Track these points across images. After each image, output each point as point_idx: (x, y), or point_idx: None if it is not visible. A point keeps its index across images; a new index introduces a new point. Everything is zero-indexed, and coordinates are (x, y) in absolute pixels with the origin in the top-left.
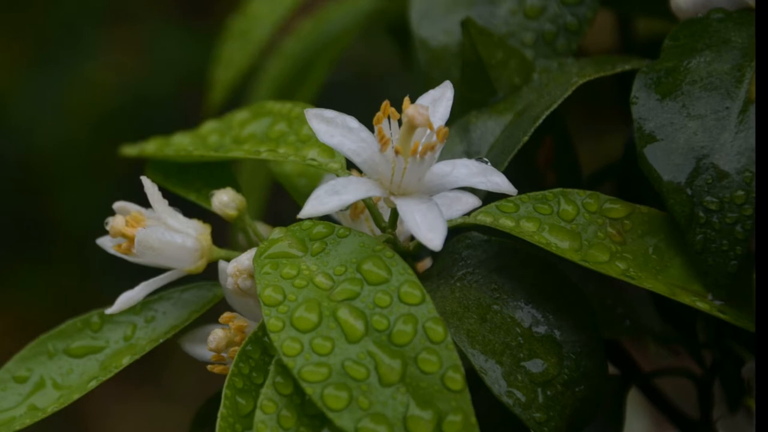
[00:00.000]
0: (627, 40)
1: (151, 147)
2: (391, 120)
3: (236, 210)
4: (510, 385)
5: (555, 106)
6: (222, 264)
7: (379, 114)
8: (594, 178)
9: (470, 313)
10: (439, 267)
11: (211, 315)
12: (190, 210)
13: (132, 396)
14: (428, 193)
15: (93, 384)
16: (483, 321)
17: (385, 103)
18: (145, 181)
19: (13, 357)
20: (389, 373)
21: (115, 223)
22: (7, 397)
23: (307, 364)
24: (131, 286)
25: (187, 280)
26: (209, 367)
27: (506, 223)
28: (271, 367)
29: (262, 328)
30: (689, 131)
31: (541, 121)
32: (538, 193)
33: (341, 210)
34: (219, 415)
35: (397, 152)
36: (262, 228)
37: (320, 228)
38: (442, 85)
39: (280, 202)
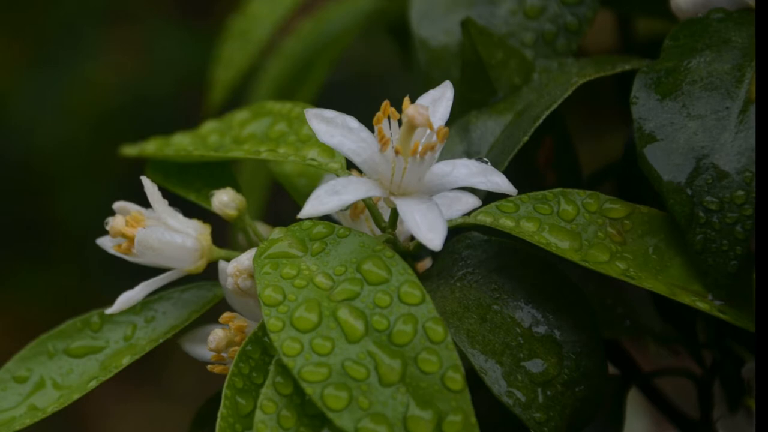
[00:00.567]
0: (627, 40)
1: (151, 147)
2: (391, 120)
3: (236, 210)
4: (510, 385)
5: (555, 106)
6: (222, 264)
7: (379, 114)
8: (594, 178)
9: (470, 313)
10: (439, 267)
11: (211, 315)
12: (190, 210)
13: (132, 396)
14: (428, 193)
15: (93, 384)
16: (483, 321)
17: (385, 103)
18: (145, 181)
19: (13, 357)
20: (389, 373)
21: (115, 223)
22: (7, 397)
23: (307, 364)
24: (131, 286)
25: (187, 280)
26: (209, 367)
27: (506, 223)
28: (271, 367)
29: (262, 328)
30: (689, 131)
31: (541, 121)
32: (538, 193)
33: (341, 210)
34: (219, 415)
35: (397, 152)
36: (262, 228)
37: (320, 228)
38: (442, 85)
39: (280, 202)
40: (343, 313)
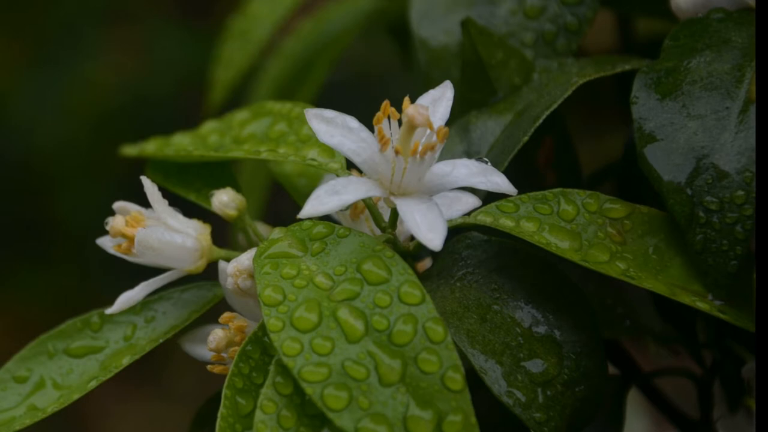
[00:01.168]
0: (627, 40)
1: (151, 147)
2: (391, 120)
3: (236, 210)
4: (510, 385)
5: (555, 106)
6: (222, 264)
7: (379, 114)
8: (594, 178)
9: (470, 313)
10: (439, 267)
11: (211, 315)
12: (190, 210)
13: (132, 396)
14: (428, 193)
15: (93, 384)
16: (483, 321)
17: (385, 103)
18: (145, 181)
19: (13, 357)
20: (389, 373)
21: (115, 223)
22: (7, 397)
23: (307, 364)
24: (131, 286)
25: (187, 280)
26: (209, 367)
27: (506, 223)
28: (271, 367)
29: (262, 328)
30: (689, 131)
31: (541, 121)
32: (538, 193)
33: (341, 210)
34: (219, 415)
35: (397, 152)
36: (262, 228)
37: (320, 228)
38: (442, 85)
39: (280, 202)
40: (343, 313)
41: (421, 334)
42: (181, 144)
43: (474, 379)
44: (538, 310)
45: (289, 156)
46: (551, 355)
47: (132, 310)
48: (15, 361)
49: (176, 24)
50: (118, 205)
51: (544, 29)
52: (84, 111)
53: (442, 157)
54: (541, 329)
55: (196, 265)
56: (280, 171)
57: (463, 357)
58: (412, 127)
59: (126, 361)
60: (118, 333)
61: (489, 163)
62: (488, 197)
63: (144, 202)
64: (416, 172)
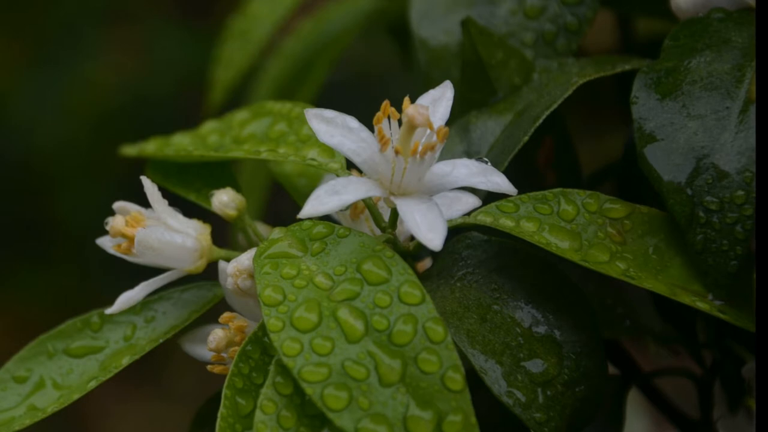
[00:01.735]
0: (627, 40)
1: (151, 147)
2: (391, 120)
3: (236, 210)
4: (510, 385)
5: (555, 106)
6: (222, 264)
7: (379, 114)
8: (594, 178)
9: (470, 313)
10: (439, 267)
11: (211, 315)
12: (190, 210)
13: (132, 396)
14: (428, 193)
15: (93, 384)
16: (483, 321)
17: (385, 103)
18: (145, 181)
19: (13, 357)
20: (389, 373)
21: (115, 223)
22: (7, 397)
23: (307, 364)
24: (131, 286)
25: (187, 280)
26: (209, 367)
27: (506, 223)
28: (271, 367)
29: (262, 328)
30: (689, 131)
31: (541, 121)
32: (538, 193)
33: (341, 210)
34: (219, 415)
35: (397, 152)
36: (262, 228)
37: (320, 228)
38: (442, 85)
39: (280, 202)
40: (343, 313)
41: (421, 334)
42: (181, 144)
43: (474, 379)
44: (538, 310)
45: (289, 156)
46: (551, 355)
47: (132, 310)
48: (15, 361)
49: (176, 24)
50: (118, 205)
51: (544, 29)
52: (84, 111)
53: (442, 157)
54: (541, 329)
55: (196, 265)
56: (280, 171)
57: (463, 357)
58: (412, 127)
59: (126, 361)
60: (118, 333)
61: (489, 163)
62: (488, 197)
63: (144, 202)
64: (416, 172)
